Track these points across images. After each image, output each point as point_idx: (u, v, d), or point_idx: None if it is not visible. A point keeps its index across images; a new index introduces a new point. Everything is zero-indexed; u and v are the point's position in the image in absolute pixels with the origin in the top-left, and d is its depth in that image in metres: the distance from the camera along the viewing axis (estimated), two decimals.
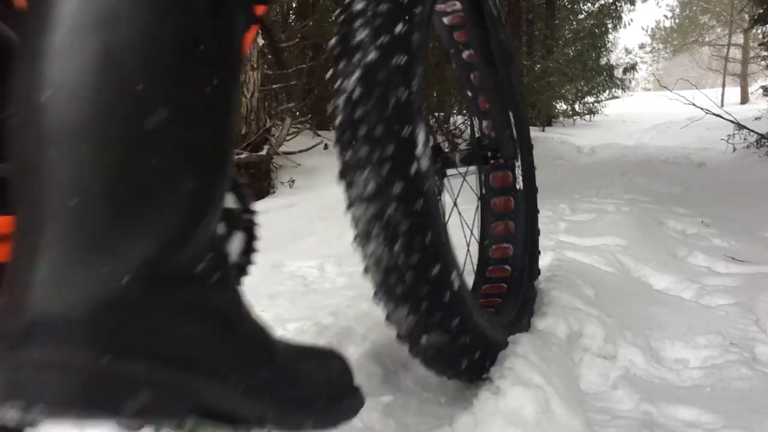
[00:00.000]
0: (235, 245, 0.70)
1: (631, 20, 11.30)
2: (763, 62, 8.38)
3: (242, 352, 0.49)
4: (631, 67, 11.91)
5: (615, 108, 12.92)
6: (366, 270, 0.85)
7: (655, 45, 23.39)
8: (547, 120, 10.19)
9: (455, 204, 1.24)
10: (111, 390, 0.39)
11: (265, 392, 0.50)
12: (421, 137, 0.78)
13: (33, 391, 0.38)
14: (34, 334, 0.38)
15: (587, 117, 11.78)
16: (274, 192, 3.78)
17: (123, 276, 0.39)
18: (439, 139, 4.87)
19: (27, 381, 0.38)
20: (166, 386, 0.42)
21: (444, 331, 0.87)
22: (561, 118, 11.32)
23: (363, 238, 0.81)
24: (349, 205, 0.81)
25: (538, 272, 1.34)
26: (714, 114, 5.53)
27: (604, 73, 10.92)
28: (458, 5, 1.23)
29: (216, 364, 0.46)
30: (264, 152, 3.76)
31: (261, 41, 3.66)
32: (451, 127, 5.43)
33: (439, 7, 1.24)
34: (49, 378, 0.38)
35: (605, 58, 11.20)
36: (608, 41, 10.98)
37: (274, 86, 4.15)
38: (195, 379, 0.44)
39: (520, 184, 1.33)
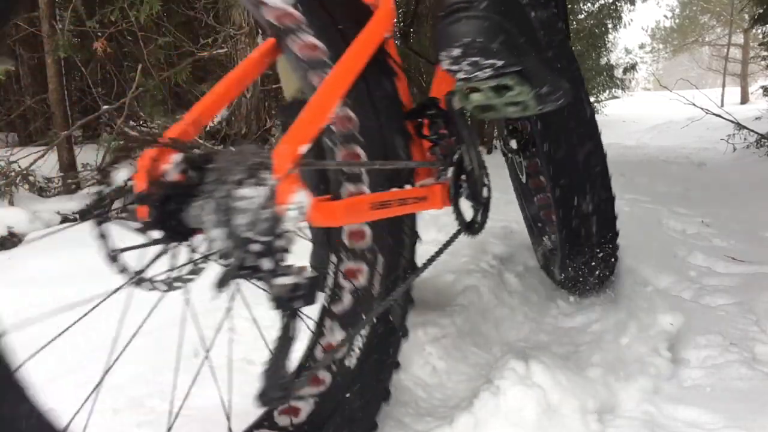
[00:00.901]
0: None
1: (631, 20, 11.22)
2: (763, 62, 8.37)
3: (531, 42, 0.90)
4: (631, 67, 11.88)
5: (615, 108, 12.90)
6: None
7: (655, 45, 23.34)
8: None
9: None
10: (505, 36, 0.82)
11: (549, 69, 0.91)
12: None
13: (466, 31, 0.81)
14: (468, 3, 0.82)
15: None
16: None
17: None
18: None
19: (462, 26, 0.81)
20: (514, 49, 0.84)
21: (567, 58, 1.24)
22: None
23: None
24: None
25: None
26: (714, 114, 5.53)
27: (604, 73, 10.88)
28: None
29: (530, 44, 0.88)
30: None
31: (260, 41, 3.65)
32: None
33: None
34: (473, 23, 0.81)
35: (605, 58, 11.16)
36: (608, 41, 10.92)
37: (274, 86, 4.15)
38: (523, 43, 0.85)
39: None
